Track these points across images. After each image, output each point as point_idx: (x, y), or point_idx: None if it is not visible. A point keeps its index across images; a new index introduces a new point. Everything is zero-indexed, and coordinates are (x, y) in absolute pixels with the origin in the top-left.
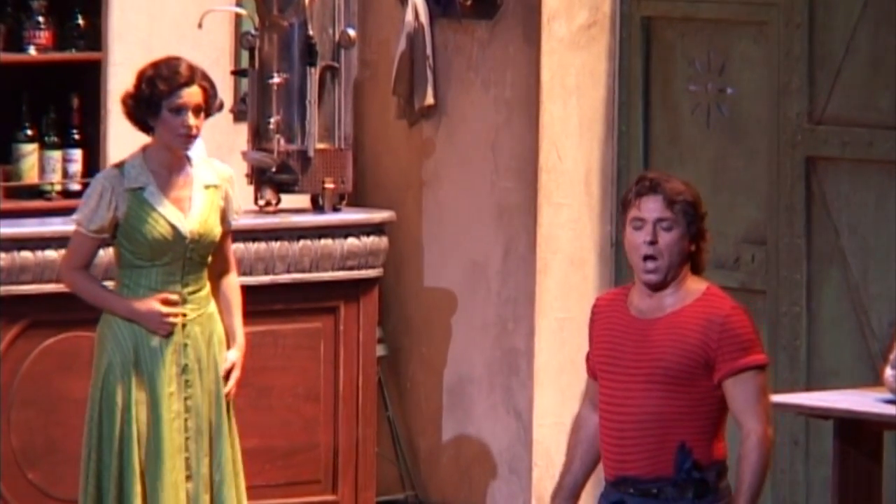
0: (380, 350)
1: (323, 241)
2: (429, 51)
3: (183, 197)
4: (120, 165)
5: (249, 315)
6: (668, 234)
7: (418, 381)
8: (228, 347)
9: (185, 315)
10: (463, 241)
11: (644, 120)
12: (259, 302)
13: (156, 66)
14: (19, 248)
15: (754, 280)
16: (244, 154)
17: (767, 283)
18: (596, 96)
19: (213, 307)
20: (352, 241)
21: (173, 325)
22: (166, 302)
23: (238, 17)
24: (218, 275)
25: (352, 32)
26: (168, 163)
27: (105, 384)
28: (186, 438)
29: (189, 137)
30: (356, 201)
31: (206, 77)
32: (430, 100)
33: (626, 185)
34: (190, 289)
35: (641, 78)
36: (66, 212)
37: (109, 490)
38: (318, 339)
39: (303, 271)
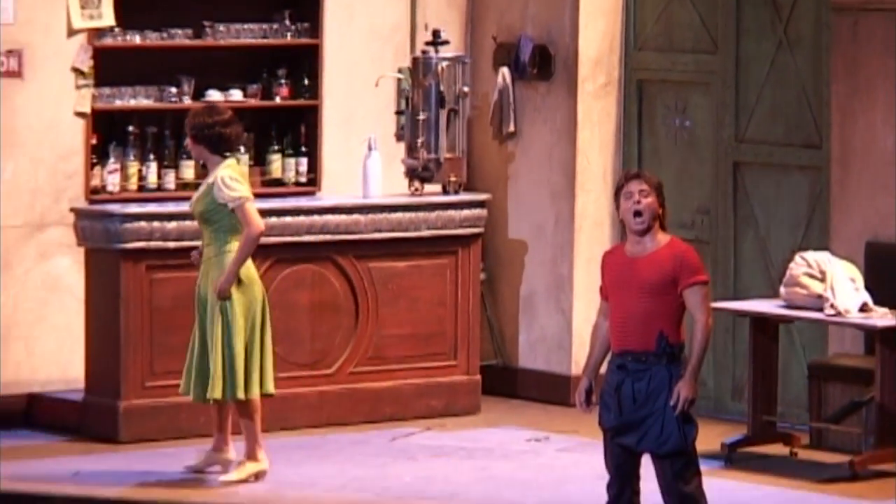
0: (482, 276)
1: (449, 212)
2: (511, 99)
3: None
4: None
5: (405, 255)
6: (647, 199)
7: (505, 295)
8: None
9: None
10: (531, 212)
11: (638, 141)
12: (412, 248)
13: None
14: (270, 215)
15: (703, 235)
16: (403, 160)
17: (710, 237)
18: (610, 128)
19: (224, 257)
20: (466, 211)
21: (192, 263)
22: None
23: (399, 80)
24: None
25: (466, 89)
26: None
27: None
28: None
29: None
30: (468, 188)
31: (194, 126)
32: (511, 129)
33: None
34: (205, 242)
35: (636, 116)
36: (299, 194)
37: None
38: (446, 270)
39: (438, 229)
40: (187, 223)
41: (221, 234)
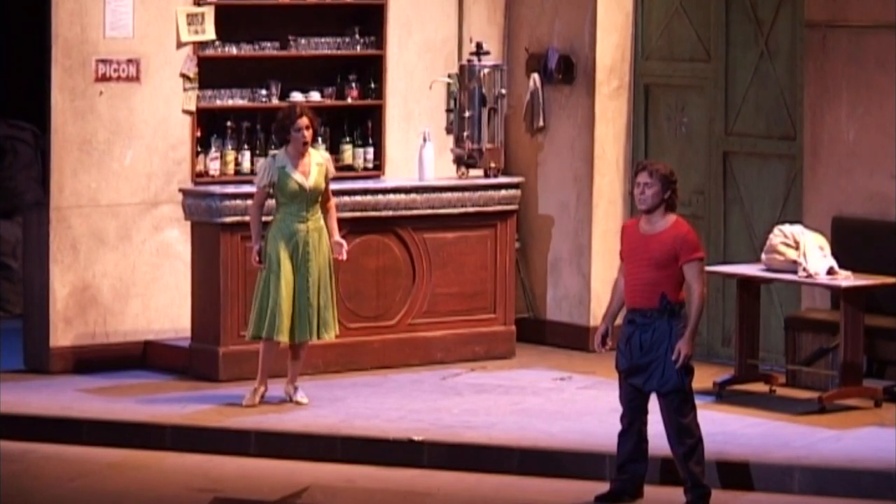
0: (516, 245)
1: (489, 192)
2: (541, 100)
3: (306, 170)
4: (275, 155)
5: (453, 227)
6: (650, 189)
7: (535, 261)
8: (331, 236)
9: (306, 225)
10: (557, 192)
11: (645, 134)
12: (459, 222)
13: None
14: (342, 195)
15: (698, 211)
16: (451, 150)
17: (705, 213)
18: (622, 123)
19: (322, 222)
20: (503, 191)
21: (298, 231)
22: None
23: (449, 84)
24: (326, 203)
25: (503, 91)
26: (296, 154)
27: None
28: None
29: (305, 144)
30: (505, 172)
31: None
32: (541, 124)
33: None
34: (310, 213)
35: (643, 114)
36: (367, 177)
37: None
38: (487, 240)
39: (480, 206)
40: (271, 202)
41: (317, 205)
